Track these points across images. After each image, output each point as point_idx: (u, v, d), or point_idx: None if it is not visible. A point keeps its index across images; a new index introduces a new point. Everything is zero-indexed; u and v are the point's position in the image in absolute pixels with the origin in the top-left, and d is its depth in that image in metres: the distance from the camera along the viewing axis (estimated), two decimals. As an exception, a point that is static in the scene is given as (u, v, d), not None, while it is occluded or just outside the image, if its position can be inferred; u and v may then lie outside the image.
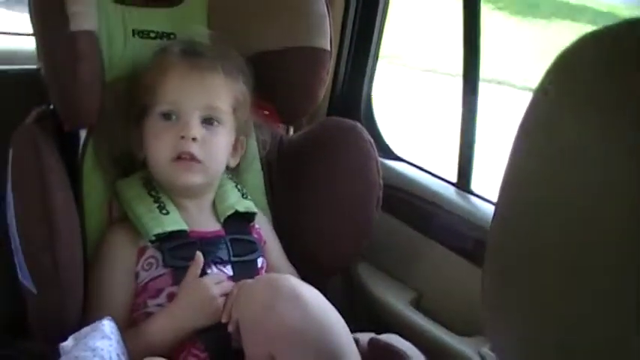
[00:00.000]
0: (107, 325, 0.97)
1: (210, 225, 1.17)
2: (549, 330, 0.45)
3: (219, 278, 1.10)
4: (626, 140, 0.39)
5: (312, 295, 1.00)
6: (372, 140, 1.32)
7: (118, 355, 0.94)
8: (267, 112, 1.28)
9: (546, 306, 0.45)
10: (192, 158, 1.11)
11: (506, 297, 0.50)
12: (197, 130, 1.10)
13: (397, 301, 1.45)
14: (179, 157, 1.10)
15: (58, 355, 1.00)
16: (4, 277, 1.15)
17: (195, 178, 1.12)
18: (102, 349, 0.92)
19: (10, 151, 1.05)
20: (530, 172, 0.47)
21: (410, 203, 1.50)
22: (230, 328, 1.04)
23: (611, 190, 0.40)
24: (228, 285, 1.08)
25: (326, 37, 1.25)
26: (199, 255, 1.09)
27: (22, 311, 1.08)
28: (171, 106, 1.11)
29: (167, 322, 1.05)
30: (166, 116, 1.11)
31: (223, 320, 1.04)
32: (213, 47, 1.18)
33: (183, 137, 1.10)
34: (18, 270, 1.06)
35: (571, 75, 0.45)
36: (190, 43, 1.18)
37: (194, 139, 1.10)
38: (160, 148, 1.11)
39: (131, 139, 1.14)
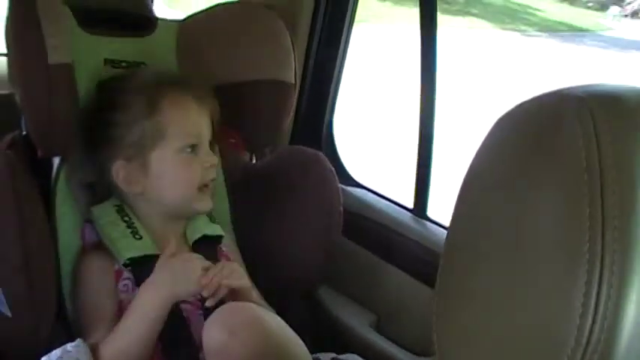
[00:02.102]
0: (81, 347, 1.00)
1: (180, 249, 1.19)
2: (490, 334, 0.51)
3: (198, 256, 1.13)
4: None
5: (272, 321, 1.05)
6: (332, 169, 1.37)
7: (90, 376, 0.96)
8: (233, 141, 1.32)
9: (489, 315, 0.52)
10: (209, 184, 1.19)
11: (454, 310, 0.56)
12: (214, 157, 1.19)
13: (358, 323, 1.50)
14: (205, 185, 1.17)
15: (29, 376, 1.02)
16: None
17: (211, 203, 1.21)
18: (75, 372, 0.95)
19: None
20: (474, 203, 0.55)
21: (369, 229, 1.56)
22: (208, 303, 1.08)
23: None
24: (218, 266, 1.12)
25: (291, 70, 1.31)
26: (172, 240, 1.13)
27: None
28: (196, 139, 1.16)
29: (149, 294, 1.07)
30: (192, 148, 1.16)
31: (204, 294, 1.08)
32: (185, 76, 1.23)
33: (209, 166, 1.17)
34: None
35: (505, 135, 0.54)
36: (163, 73, 1.23)
37: (211, 166, 1.18)
38: (189, 178, 1.16)
39: (121, 176, 1.15)
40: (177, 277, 1.09)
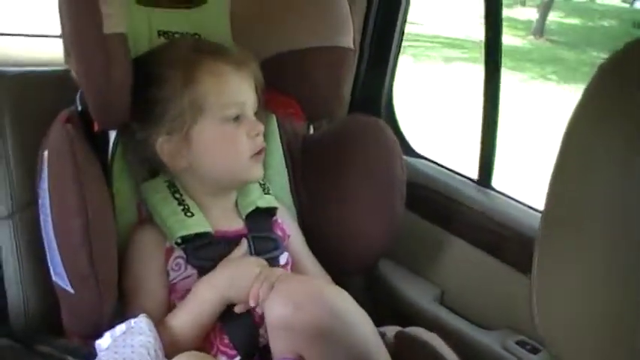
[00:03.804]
0: (144, 322, 0.99)
1: (233, 224, 1.19)
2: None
3: (262, 262, 1.12)
4: None
5: (337, 294, 1.02)
6: (394, 137, 1.33)
7: (155, 350, 0.95)
8: (292, 110, 1.29)
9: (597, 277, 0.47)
10: (261, 152, 1.16)
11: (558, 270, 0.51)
12: (260, 125, 1.15)
13: (421, 297, 1.47)
14: (258, 153, 1.15)
15: (94, 351, 1.02)
16: (37, 276, 1.18)
17: (262, 171, 1.19)
18: (141, 346, 0.94)
19: (46, 152, 1.06)
20: (574, 170, 0.49)
21: (432, 200, 1.52)
22: (257, 309, 1.06)
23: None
24: (268, 272, 1.09)
25: (349, 36, 1.26)
26: (244, 241, 1.14)
27: (55, 309, 1.10)
28: (239, 109, 1.13)
29: (206, 291, 1.08)
30: (235, 119, 1.12)
31: (251, 304, 1.06)
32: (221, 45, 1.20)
33: (256, 134, 1.14)
34: (51, 271, 1.08)
35: (617, 78, 0.47)
36: (200, 42, 1.21)
37: (257, 134, 1.14)
38: (235, 149, 1.13)
39: (165, 151, 1.12)
40: (234, 282, 1.08)
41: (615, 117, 0.46)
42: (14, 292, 1.19)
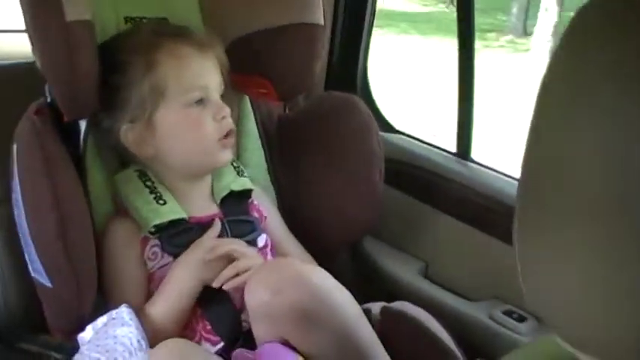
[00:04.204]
0: (125, 312, 0.98)
1: (208, 208, 1.18)
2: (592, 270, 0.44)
3: (236, 241, 1.12)
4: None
5: (317, 275, 1.01)
6: (369, 112, 1.32)
7: (138, 340, 0.94)
8: (264, 90, 1.27)
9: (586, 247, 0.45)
10: (229, 135, 1.13)
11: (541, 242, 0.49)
12: (226, 108, 1.13)
13: (405, 271, 1.46)
14: (225, 137, 1.12)
15: (77, 346, 1.01)
16: (17, 273, 1.16)
17: (231, 154, 1.17)
18: (123, 336, 0.93)
19: (15, 145, 1.04)
20: (552, 127, 0.47)
21: (412, 175, 1.51)
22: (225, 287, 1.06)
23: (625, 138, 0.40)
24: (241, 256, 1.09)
25: (319, 12, 1.24)
26: (217, 221, 1.13)
27: (37, 305, 1.09)
28: (202, 92, 1.10)
29: (181, 274, 1.08)
30: (199, 102, 1.10)
31: (215, 285, 1.06)
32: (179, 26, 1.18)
33: (222, 118, 1.11)
34: (29, 266, 1.06)
35: (581, 36, 0.45)
36: (161, 25, 1.19)
37: (224, 117, 1.12)
38: (204, 133, 1.10)
39: (130, 139, 1.11)
40: (206, 264, 1.07)
41: (601, 63, 0.44)
42: (-6, 289, 1.18)
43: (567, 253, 0.46)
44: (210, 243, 1.10)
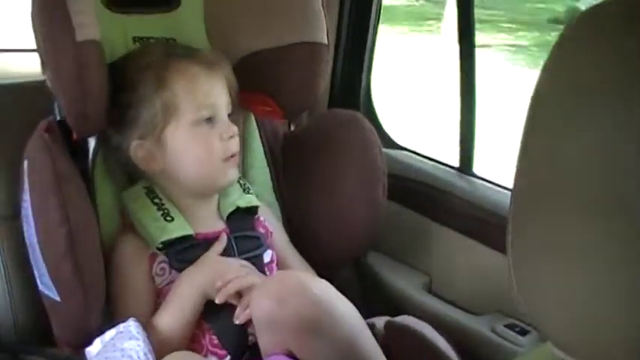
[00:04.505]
0: (132, 326, 0.99)
1: (215, 225, 1.19)
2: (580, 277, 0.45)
3: (242, 263, 1.13)
4: None
5: (321, 287, 1.03)
6: (372, 128, 1.34)
7: (145, 353, 0.96)
8: (269, 108, 1.29)
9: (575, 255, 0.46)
10: (235, 154, 1.16)
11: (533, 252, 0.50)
12: (233, 127, 1.15)
13: (409, 286, 1.47)
14: (228, 157, 1.14)
15: (85, 359, 1.03)
16: (25, 286, 1.18)
17: (237, 173, 1.19)
18: (130, 349, 0.95)
19: (25, 162, 1.07)
20: (551, 117, 0.48)
21: (415, 191, 1.52)
22: (237, 321, 1.07)
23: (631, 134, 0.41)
24: (245, 276, 1.11)
25: (323, 31, 1.27)
26: (223, 235, 1.15)
27: (45, 319, 1.10)
28: (211, 111, 1.13)
29: (185, 288, 1.09)
30: (208, 120, 1.12)
31: (217, 301, 1.08)
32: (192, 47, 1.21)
33: (230, 137, 1.14)
34: (38, 280, 1.08)
35: (593, 28, 0.46)
36: (171, 45, 1.22)
37: (231, 137, 1.14)
38: (208, 152, 1.13)
39: (139, 155, 1.13)
40: (210, 280, 1.09)
41: (598, 68, 0.44)
42: (2, 303, 1.19)
43: (564, 257, 0.47)
44: (221, 267, 1.11)
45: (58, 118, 1.15)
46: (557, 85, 0.48)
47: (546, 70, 0.49)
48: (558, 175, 0.48)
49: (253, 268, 1.15)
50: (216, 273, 1.09)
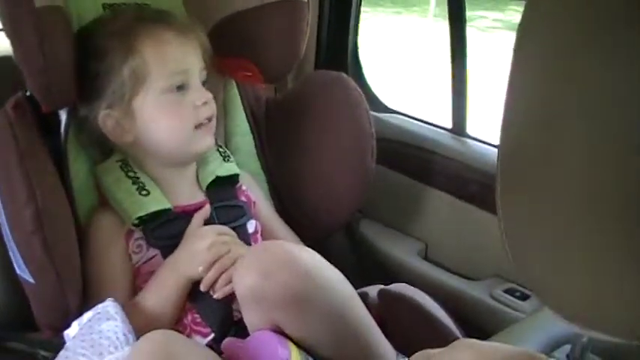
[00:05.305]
0: (110, 306, 0.95)
1: (194, 196, 1.15)
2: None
3: (221, 230, 1.08)
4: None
5: (308, 256, 0.97)
6: (358, 89, 1.28)
7: (124, 334, 0.91)
8: (249, 74, 1.23)
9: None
10: (210, 120, 1.10)
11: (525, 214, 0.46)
12: (207, 93, 1.09)
13: (404, 253, 1.43)
14: (201, 124, 1.09)
15: (64, 342, 0.98)
16: (4, 271, 1.13)
17: (212, 140, 1.13)
18: (108, 330, 0.90)
19: None
20: (535, 74, 0.43)
21: (407, 154, 1.47)
22: (215, 296, 1.03)
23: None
24: (232, 240, 1.07)
25: None
26: (207, 206, 1.10)
27: (27, 303, 1.06)
28: (183, 77, 1.07)
29: (167, 274, 1.04)
30: (179, 88, 1.07)
31: (199, 272, 1.03)
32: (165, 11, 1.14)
33: (203, 104, 1.08)
34: (14, 263, 1.03)
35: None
36: (142, 10, 1.15)
37: (205, 103, 1.08)
38: (181, 120, 1.07)
39: (108, 126, 1.08)
40: (189, 263, 1.04)
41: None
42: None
43: (556, 221, 0.44)
44: (199, 247, 1.05)
45: (28, 92, 1.09)
46: (542, 34, 0.43)
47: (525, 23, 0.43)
48: (549, 125, 0.43)
49: (233, 232, 1.10)
50: (195, 254, 1.04)
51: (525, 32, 0.43)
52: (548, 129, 0.42)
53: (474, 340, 0.65)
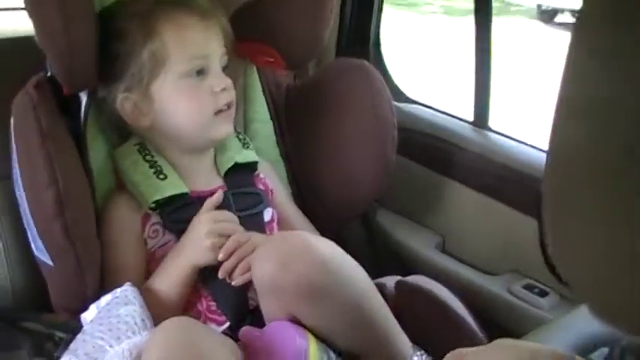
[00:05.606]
0: (129, 291, 0.95)
1: (211, 182, 1.14)
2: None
3: (225, 216, 1.07)
4: None
5: (326, 247, 0.96)
6: (381, 77, 1.27)
7: (142, 319, 0.91)
8: (271, 60, 1.22)
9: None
10: (230, 107, 1.09)
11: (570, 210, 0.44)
12: (226, 79, 1.08)
13: (421, 245, 1.42)
14: (220, 110, 1.07)
15: (82, 325, 0.99)
16: (22, 252, 1.13)
17: (231, 127, 1.12)
18: (126, 315, 0.90)
19: (12, 119, 1.01)
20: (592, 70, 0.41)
21: (428, 145, 1.46)
22: (233, 283, 1.02)
23: None
24: (231, 226, 1.06)
25: None
26: (219, 192, 1.09)
27: (43, 285, 1.06)
28: (203, 62, 1.06)
29: (170, 260, 1.04)
30: (199, 72, 1.06)
31: (219, 258, 1.01)
32: None
33: (222, 90, 1.07)
34: (32, 245, 1.03)
35: None
36: None
37: (224, 89, 1.07)
38: (200, 104, 1.06)
39: (126, 109, 1.07)
40: (190, 244, 1.03)
41: None
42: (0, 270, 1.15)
43: (604, 220, 0.42)
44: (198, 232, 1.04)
45: (49, 73, 1.08)
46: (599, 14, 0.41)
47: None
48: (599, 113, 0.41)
49: (234, 217, 1.08)
50: (194, 241, 1.03)
51: (582, 29, 0.41)
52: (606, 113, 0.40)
53: (513, 340, 0.63)
